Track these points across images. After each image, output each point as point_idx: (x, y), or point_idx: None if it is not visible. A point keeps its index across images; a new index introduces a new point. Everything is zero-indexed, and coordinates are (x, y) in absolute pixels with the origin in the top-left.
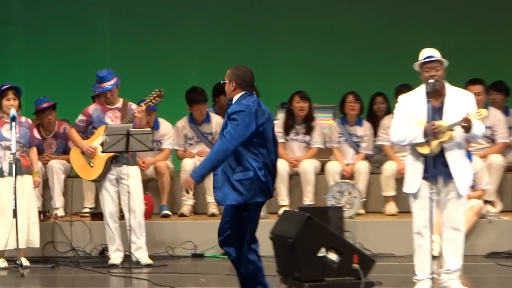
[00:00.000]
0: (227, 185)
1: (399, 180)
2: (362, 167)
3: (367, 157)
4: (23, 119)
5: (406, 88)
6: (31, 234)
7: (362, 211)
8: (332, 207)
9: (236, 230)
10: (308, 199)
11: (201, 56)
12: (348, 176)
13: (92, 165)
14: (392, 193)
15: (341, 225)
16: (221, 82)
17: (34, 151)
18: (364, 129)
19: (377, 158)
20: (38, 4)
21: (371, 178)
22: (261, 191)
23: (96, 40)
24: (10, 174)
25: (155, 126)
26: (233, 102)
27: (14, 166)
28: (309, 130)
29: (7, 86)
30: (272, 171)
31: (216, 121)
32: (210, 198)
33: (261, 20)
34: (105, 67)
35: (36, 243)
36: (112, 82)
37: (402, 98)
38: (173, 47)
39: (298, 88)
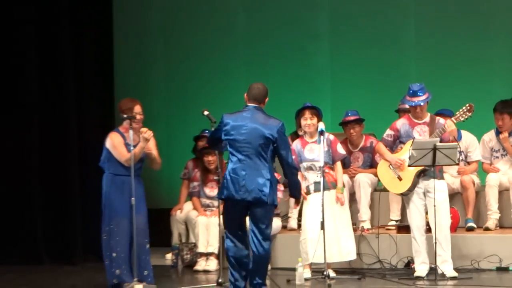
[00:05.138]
0: None
1: None
2: None
3: None
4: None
5: None
6: (344, 248)
7: None
8: None
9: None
10: None
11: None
12: None
13: (400, 178)
14: None
15: None
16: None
17: (338, 166)
18: None
19: None
20: (343, 18)
21: None
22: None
23: (401, 54)
24: (316, 191)
25: (457, 137)
26: None
27: (322, 178)
28: None
29: (306, 105)
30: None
31: None
32: None
33: None
34: (411, 80)
35: (351, 255)
36: (423, 97)
37: None
38: (480, 58)
39: None
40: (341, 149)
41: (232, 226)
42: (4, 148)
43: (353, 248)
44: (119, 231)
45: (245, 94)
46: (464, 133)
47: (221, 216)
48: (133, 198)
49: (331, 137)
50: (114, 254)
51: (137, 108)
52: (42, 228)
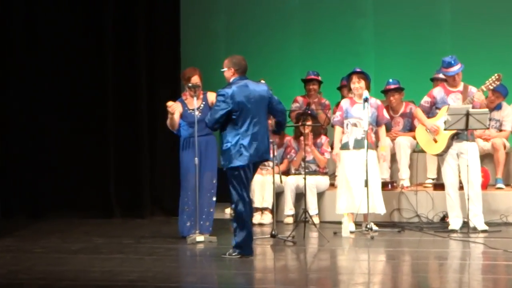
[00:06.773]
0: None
1: None
2: None
3: None
4: (372, 100)
5: None
6: (376, 202)
7: None
8: None
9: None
10: None
11: None
12: None
13: (436, 141)
14: None
15: None
16: (221, 70)
17: (382, 128)
18: None
19: None
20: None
21: None
22: (237, 157)
23: (438, 30)
24: (354, 148)
25: (497, 107)
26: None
27: (366, 141)
28: None
29: (354, 71)
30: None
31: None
32: None
33: None
34: (446, 53)
35: (380, 209)
36: (456, 68)
37: None
38: (506, 33)
39: None
40: (386, 114)
41: (246, 190)
42: (84, 117)
43: (382, 202)
44: (189, 186)
45: (232, 69)
46: (504, 104)
47: (275, 176)
48: (196, 158)
49: (378, 102)
50: (186, 208)
51: (195, 79)
52: (115, 187)
